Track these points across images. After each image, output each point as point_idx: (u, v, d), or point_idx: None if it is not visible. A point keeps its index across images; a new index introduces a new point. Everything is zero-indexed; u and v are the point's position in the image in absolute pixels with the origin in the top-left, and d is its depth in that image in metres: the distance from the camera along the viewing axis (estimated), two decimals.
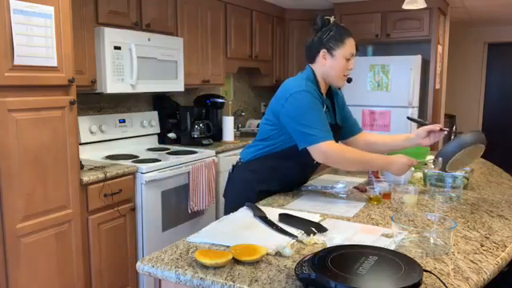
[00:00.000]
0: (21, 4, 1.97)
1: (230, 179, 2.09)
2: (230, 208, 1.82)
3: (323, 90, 1.96)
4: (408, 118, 2.26)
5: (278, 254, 1.28)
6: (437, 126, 2.04)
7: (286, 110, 1.82)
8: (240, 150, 2.80)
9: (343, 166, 1.87)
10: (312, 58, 1.94)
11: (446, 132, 2.04)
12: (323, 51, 1.89)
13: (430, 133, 2.05)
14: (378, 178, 2.06)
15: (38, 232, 2.13)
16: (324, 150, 1.77)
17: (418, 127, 2.11)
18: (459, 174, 2.10)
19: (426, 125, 2.10)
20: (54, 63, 2.14)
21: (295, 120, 1.80)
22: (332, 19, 1.94)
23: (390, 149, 2.13)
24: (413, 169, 2.14)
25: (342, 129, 2.09)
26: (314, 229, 1.45)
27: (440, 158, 1.91)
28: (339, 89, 2.13)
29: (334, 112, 2.05)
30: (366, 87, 4.29)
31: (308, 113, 1.79)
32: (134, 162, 2.82)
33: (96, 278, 2.52)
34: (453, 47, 6.53)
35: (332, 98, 2.06)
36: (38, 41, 2.05)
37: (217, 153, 3.42)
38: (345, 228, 1.51)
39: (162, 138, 3.62)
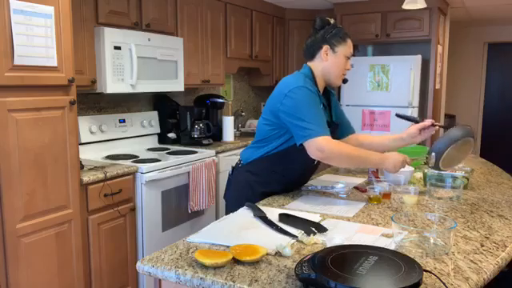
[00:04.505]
0: (21, 4, 1.97)
1: (231, 181, 2.09)
2: (232, 210, 1.81)
3: (320, 88, 1.97)
4: (397, 114, 2.23)
5: (278, 253, 1.28)
6: (428, 122, 2.03)
7: (285, 105, 1.82)
8: (240, 150, 2.80)
9: (338, 162, 1.85)
10: (312, 56, 1.95)
11: (437, 127, 2.03)
12: (326, 47, 1.91)
13: (421, 130, 2.05)
14: (378, 178, 2.06)
15: (38, 232, 2.13)
16: (320, 145, 1.76)
17: (411, 125, 2.11)
18: (459, 173, 2.10)
19: (416, 121, 2.08)
20: (54, 63, 2.14)
21: (293, 115, 1.80)
22: (332, 21, 1.97)
23: (382, 149, 2.12)
24: (412, 168, 2.14)
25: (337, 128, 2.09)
26: (314, 229, 1.45)
27: (433, 154, 1.91)
28: (333, 89, 2.13)
29: (330, 110, 2.05)
30: (366, 87, 4.29)
31: (306, 108, 1.79)
32: (133, 162, 2.82)
33: (96, 278, 2.52)
34: (453, 47, 6.53)
35: (328, 96, 2.06)
36: (38, 41, 2.05)
37: (217, 153, 3.42)
38: (345, 228, 1.51)
39: (162, 138, 3.62)
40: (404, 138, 2.09)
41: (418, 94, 4.12)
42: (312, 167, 2.06)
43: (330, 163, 1.86)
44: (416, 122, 2.09)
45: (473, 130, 1.93)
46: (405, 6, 3.26)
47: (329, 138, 1.79)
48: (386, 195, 1.89)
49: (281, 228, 1.47)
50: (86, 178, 2.38)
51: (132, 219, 2.72)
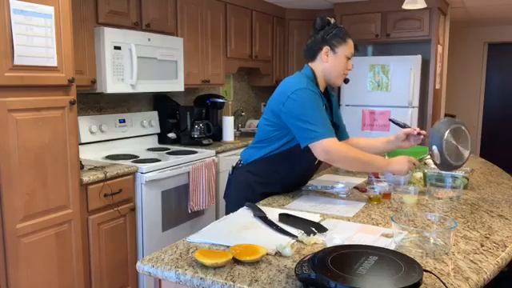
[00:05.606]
0: (21, 4, 1.97)
1: (231, 181, 2.08)
2: (232, 210, 1.81)
3: (322, 88, 1.97)
4: (390, 120, 2.28)
5: (278, 254, 1.28)
6: (414, 130, 2.05)
7: (288, 107, 1.82)
8: (240, 150, 2.79)
9: (344, 164, 1.86)
10: (312, 56, 1.95)
11: (423, 136, 2.06)
12: (326, 48, 1.91)
13: (408, 136, 2.07)
14: (378, 178, 2.06)
15: (38, 232, 2.13)
16: (326, 147, 1.77)
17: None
18: (459, 173, 2.10)
19: (405, 127, 2.11)
20: (54, 63, 2.14)
21: (297, 117, 1.80)
22: (332, 21, 1.96)
23: (373, 152, 2.10)
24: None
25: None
26: (314, 229, 1.45)
27: (434, 147, 1.92)
28: (333, 89, 2.13)
29: (331, 111, 2.05)
30: (366, 87, 4.29)
31: (310, 110, 1.79)
32: (133, 162, 2.82)
33: (96, 278, 2.52)
34: (453, 47, 6.53)
35: (329, 97, 2.06)
36: (38, 41, 2.05)
37: (217, 153, 3.42)
38: (345, 228, 1.51)
39: (162, 137, 3.62)
40: (392, 140, 2.12)
41: (418, 94, 4.12)
42: (313, 167, 2.06)
43: (336, 165, 1.88)
44: (405, 127, 2.12)
45: (456, 117, 2.03)
46: (405, 6, 3.26)
47: (335, 139, 1.79)
48: (386, 195, 1.89)
49: (281, 228, 1.47)
50: (86, 178, 2.38)
51: (132, 219, 2.72)
